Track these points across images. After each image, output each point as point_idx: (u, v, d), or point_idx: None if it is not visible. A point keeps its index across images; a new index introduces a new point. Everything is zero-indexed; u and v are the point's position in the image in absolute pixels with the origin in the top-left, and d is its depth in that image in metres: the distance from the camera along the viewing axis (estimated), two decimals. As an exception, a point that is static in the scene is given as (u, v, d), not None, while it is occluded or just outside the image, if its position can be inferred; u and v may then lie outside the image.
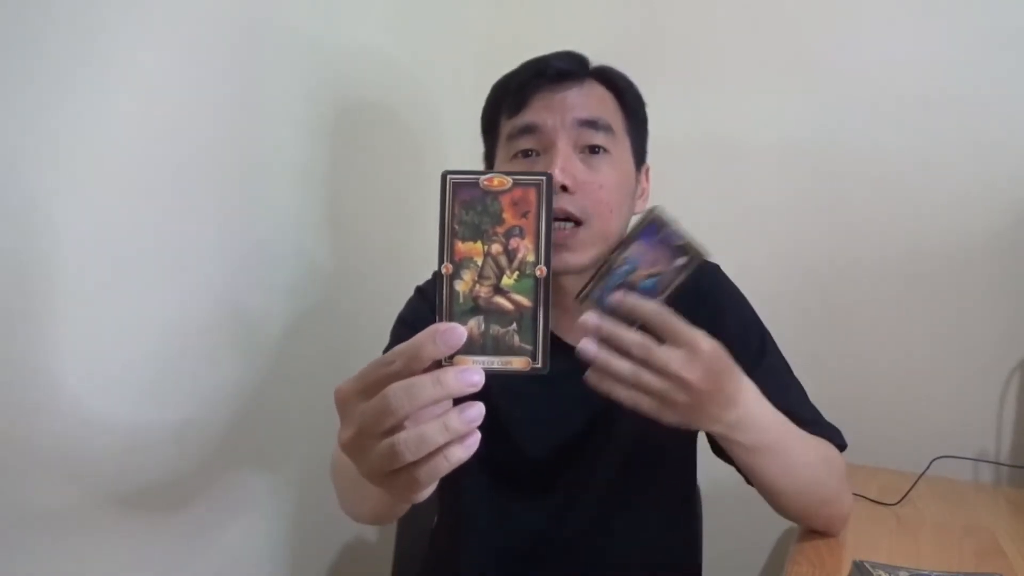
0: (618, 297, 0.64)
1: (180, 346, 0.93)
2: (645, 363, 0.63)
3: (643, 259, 0.65)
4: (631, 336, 0.63)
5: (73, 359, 0.81)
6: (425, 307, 0.94)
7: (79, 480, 0.83)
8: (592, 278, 0.66)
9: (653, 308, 0.63)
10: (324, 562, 1.24)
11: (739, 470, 0.87)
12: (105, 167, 0.82)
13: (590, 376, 0.65)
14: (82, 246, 0.81)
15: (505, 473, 0.90)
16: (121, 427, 0.87)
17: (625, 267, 0.65)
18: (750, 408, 0.70)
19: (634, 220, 0.66)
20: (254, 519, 1.09)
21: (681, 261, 0.64)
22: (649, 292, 0.64)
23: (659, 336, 0.63)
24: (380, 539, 1.34)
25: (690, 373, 0.63)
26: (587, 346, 0.63)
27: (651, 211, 0.65)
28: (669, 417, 0.66)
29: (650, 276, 0.65)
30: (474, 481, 0.90)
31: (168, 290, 0.91)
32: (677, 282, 0.64)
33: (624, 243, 0.66)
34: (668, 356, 0.63)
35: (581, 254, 0.82)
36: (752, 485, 0.85)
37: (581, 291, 0.66)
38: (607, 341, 0.63)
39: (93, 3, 0.79)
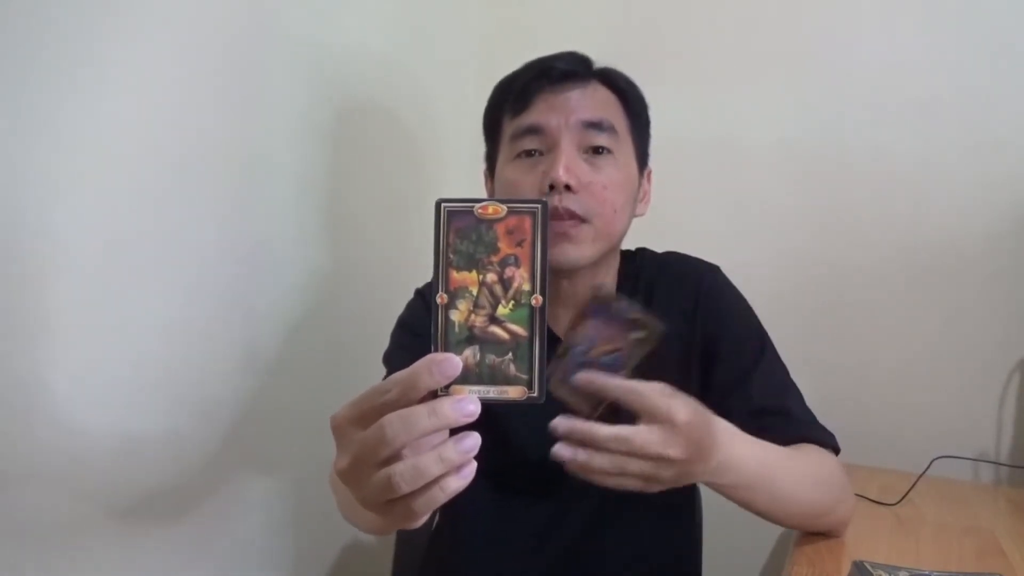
0: (584, 378, 0.63)
1: (180, 348, 0.94)
2: (627, 453, 0.61)
3: (598, 336, 0.65)
4: (605, 432, 0.61)
5: (72, 362, 0.81)
6: (425, 309, 0.94)
7: (78, 484, 0.84)
8: (551, 363, 0.64)
9: (622, 385, 0.62)
10: (324, 563, 1.25)
11: None
12: (104, 168, 0.82)
13: (570, 468, 0.63)
14: (81, 248, 0.81)
15: (504, 476, 0.90)
16: (120, 430, 0.87)
17: (581, 346, 0.65)
18: (725, 452, 0.67)
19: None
20: (254, 521, 1.09)
21: (638, 335, 0.64)
22: (611, 368, 0.64)
23: (631, 411, 0.62)
24: (380, 540, 1.34)
25: (673, 449, 0.61)
26: (562, 451, 0.62)
27: (595, 289, 0.67)
28: (657, 488, 0.64)
29: (609, 353, 0.64)
30: (474, 484, 0.90)
31: (167, 292, 0.91)
32: (639, 355, 0.64)
33: (575, 323, 0.65)
34: (647, 439, 0.61)
35: (582, 248, 0.82)
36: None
37: (546, 379, 0.64)
38: (582, 442, 0.61)
39: (93, 3, 0.79)
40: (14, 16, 0.72)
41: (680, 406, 0.62)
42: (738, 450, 0.69)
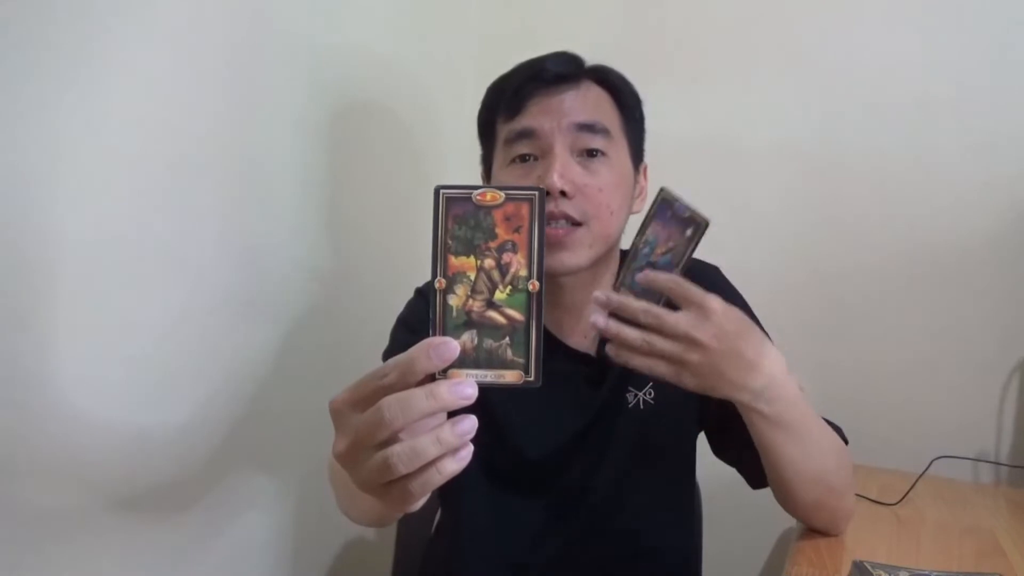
0: (642, 276, 0.69)
1: (180, 347, 0.94)
2: (657, 329, 0.66)
3: (659, 237, 0.70)
4: (636, 304, 0.66)
5: (73, 360, 0.81)
6: (424, 308, 0.94)
7: (80, 481, 0.84)
8: (622, 265, 0.71)
9: (667, 278, 0.67)
10: (324, 562, 1.25)
11: (740, 469, 0.87)
12: (105, 167, 0.82)
13: (608, 349, 0.68)
14: (82, 247, 0.81)
15: (504, 475, 0.90)
16: (121, 428, 0.87)
17: (646, 248, 0.70)
18: (776, 378, 0.69)
19: (647, 203, 0.72)
20: (254, 519, 1.09)
21: (689, 232, 0.68)
22: (666, 267, 0.70)
23: (678, 304, 0.67)
24: (380, 539, 1.34)
25: (700, 332, 0.65)
26: (597, 319, 0.67)
27: (660, 192, 0.69)
28: (688, 381, 0.68)
29: (666, 252, 0.70)
30: (474, 483, 0.90)
31: (168, 291, 0.91)
32: (689, 252, 0.69)
33: (643, 226, 0.70)
34: (677, 318, 0.66)
35: (578, 254, 0.82)
36: (756, 484, 0.85)
37: (616, 280, 0.71)
38: (618, 314, 0.67)
39: (93, 3, 0.79)
40: (14, 16, 0.72)
41: (716, 299, 0.67)
42: (787, 382, 0.71)
